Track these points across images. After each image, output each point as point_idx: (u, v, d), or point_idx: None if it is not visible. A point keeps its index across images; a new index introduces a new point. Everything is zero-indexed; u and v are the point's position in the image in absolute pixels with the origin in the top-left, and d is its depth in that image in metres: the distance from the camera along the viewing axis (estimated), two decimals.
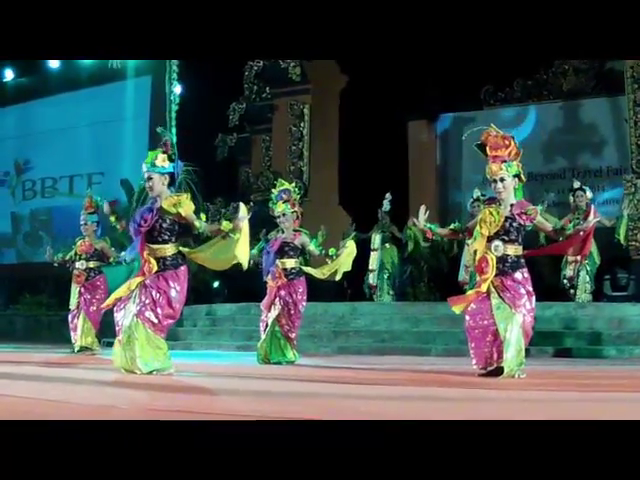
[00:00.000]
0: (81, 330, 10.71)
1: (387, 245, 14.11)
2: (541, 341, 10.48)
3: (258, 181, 17.68)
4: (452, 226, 7.10)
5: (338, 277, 8.91)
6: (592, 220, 6.59)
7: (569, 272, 12.20)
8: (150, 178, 6.53)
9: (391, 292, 14.17)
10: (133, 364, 6.28)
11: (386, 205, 14.01)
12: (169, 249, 6.49)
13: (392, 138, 17.32)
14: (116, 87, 19.93)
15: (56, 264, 11.17)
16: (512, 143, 6.46)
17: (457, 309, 6.59)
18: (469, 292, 6.74)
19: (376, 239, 14.08)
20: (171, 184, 6.62)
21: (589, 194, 12.41)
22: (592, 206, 7.10)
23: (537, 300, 11.14)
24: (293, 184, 9.30)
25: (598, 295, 13.31)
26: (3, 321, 17.54)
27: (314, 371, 7.71)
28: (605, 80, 16.66)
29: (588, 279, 12.18)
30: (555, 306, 11.55)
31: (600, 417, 3.60)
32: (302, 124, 17.76)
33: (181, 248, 6.63)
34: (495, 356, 6.31)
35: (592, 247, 12.13)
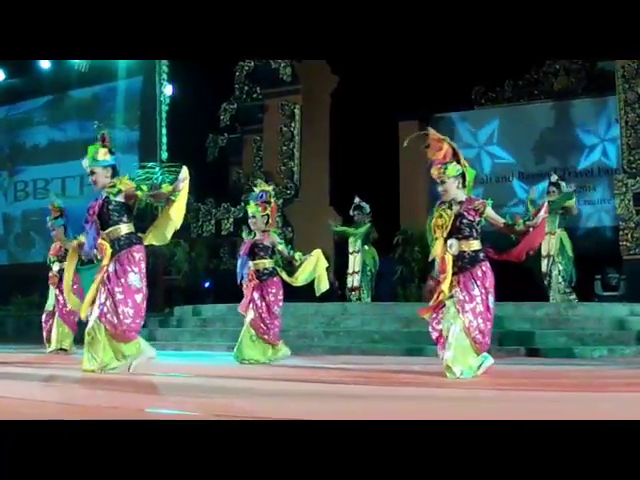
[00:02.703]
0: (57, 333, 10.88)
1: (366, 247, 14.04)
2: (532, 341, 10.51)
3: (249, 181, 17.65)
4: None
5: (322, 289, 8.94)
6: (542, 216, 6.59)
7: (543, 268, 12.21)
8: (93, 172, 6.66)
9: (371, 293, 14.11)
10: (93, 364, 6.38)
11: (351, 210, 14.10)
12: (121, 229, 6.60)
13: (383, 138, 17.32)
14: (107, 88, 19.93)
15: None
16: (445, 145, 6.53)
17: (426, 315, 6.66)
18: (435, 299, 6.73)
19: (355, 242, 14.05)
20: (113, 176, 6.72)
21: (562, 189, 12.32)
22: (545, 204, 7.03)
23: (528, 300, 11.30)
24: (272, 187, 9.34)
25: (589, 295, 13.36)
26: None
27: (287, 371, 7.76)
28: (596, 80, 16.71)
29: (561, 279, 12.17)
30: (545, 306, 11.56)
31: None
32: (293, 124, 17.76)
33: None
34: None
35: (566, 242, 12.23)
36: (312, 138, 17.80)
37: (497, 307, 6.59)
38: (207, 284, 17.12)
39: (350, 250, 14.14)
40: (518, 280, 11.31)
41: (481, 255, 6.46)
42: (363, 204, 14.07)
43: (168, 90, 18.48)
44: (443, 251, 6.45)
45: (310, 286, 9.04)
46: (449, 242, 6.42)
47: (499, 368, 7.18)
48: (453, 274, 6.38)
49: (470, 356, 6.32)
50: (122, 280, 6.45)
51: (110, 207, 6.57)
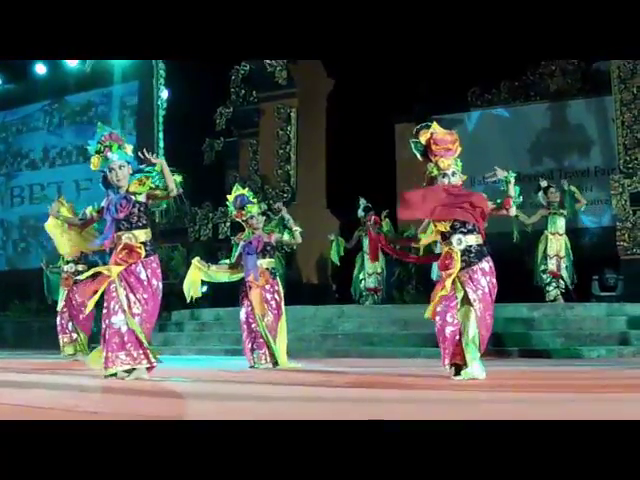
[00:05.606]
0: (70, 339, 10.74)
1: None
2: (529, 342, 10.51)
3: (246, 185, 17.63)
4: (406, 234, 7.01)
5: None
6: (511, 210, 6.42)
7: (550, 266, 12.18)
8: (121, 167, 6.46)
9: (383, 295, 14.13)
10: (100, 363, 6.32)
11: (360, 212, 14.10)
12: (148, 233, 6.46)
13: (379, 140, 17.32)
14: (103, 93, 19.94)
15: (49, 272, 11.37)
16: (456, 138, 6.48)
17: (427, 313, 6.53)
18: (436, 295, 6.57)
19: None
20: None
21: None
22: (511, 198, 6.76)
23: (525, 302, 11.30)
24: (247, 189, 9.25)
25: (587, 295, 13.37)
26: None
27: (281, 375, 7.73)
28: (591, 81, 16.71)
29: (567, 275, 12.25)
30: (543, 307, 11.57)
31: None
32: (289, 128, 17.76)
33: None
34: (459, 356, 6.23)
35: (569, 245, 12.29)
36: (308, 141, 17.81)
37: (495, 308, 6.52)
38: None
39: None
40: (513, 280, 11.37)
41: (484, 249, 6.37)
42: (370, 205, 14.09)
43: (165, 94, 18.49)
44: (447, 246, 6.35)
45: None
46: (456, 238, 6.29)
47: (499, 370, 7.18)
48: (461, 269, 6.27)
49: (478, 354, 6.23)
50: (152, 288, 6.34)
51: (142, 209, 6.41)
